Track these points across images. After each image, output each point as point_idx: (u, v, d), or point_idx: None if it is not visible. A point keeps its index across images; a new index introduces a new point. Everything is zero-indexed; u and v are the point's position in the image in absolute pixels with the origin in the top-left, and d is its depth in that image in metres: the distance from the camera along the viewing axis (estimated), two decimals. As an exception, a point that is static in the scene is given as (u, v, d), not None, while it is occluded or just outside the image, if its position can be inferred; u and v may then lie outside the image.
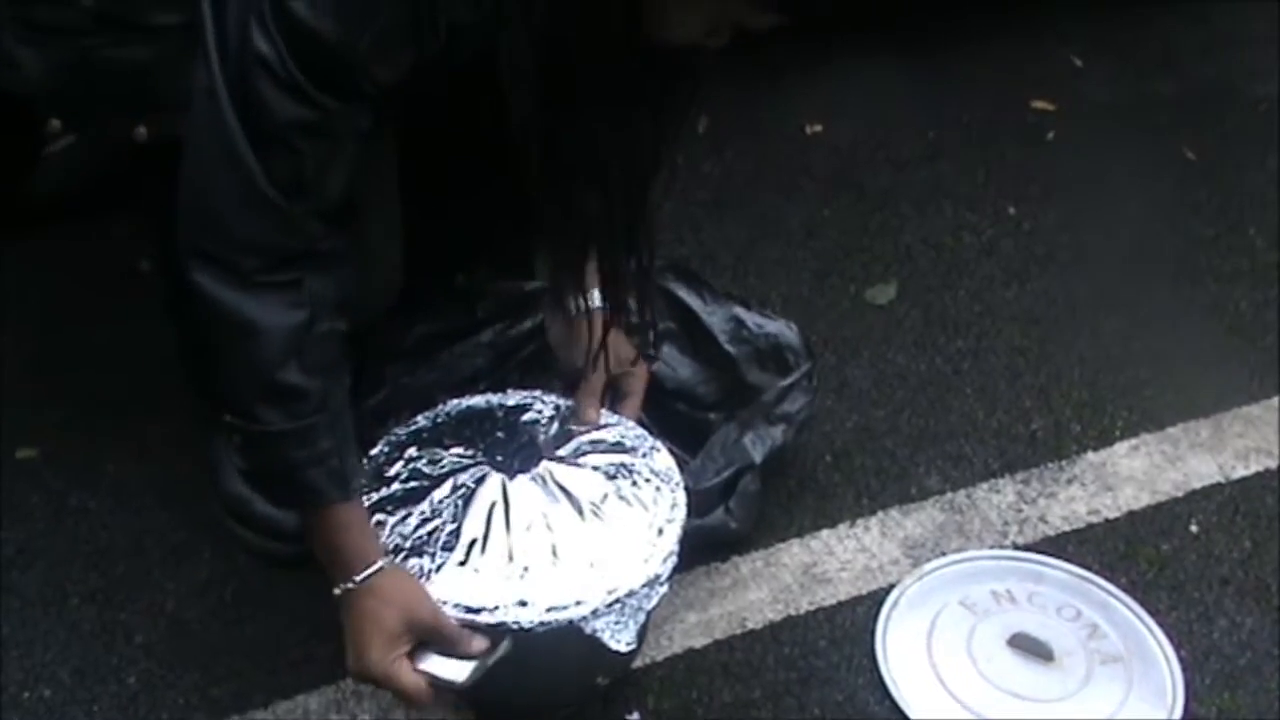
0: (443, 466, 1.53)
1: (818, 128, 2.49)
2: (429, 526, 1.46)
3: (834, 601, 1.75)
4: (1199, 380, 2.06)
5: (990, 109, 2.57)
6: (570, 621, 1.40)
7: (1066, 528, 1.85)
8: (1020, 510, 1.87)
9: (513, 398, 1.65)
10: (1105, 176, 2.43)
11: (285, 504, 1.57)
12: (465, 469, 1.52)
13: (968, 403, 2.02)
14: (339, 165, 1.29)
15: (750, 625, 1.72)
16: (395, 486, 1.51)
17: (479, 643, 1.39)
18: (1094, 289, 2.21)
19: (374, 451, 1.56)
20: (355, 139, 1.29)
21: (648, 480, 1.53)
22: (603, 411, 1.62)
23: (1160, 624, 1.71)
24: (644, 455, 1.57)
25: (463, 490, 1.49)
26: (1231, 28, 2.80)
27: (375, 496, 1.50)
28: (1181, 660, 1.68)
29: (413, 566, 1.42)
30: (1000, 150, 2.48)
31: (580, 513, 1.48)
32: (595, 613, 1.41)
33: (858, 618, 1.73)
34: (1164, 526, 1.85)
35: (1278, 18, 2.83)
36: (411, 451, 1.55)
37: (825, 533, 1.83)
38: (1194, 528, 1.85)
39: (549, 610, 1.39)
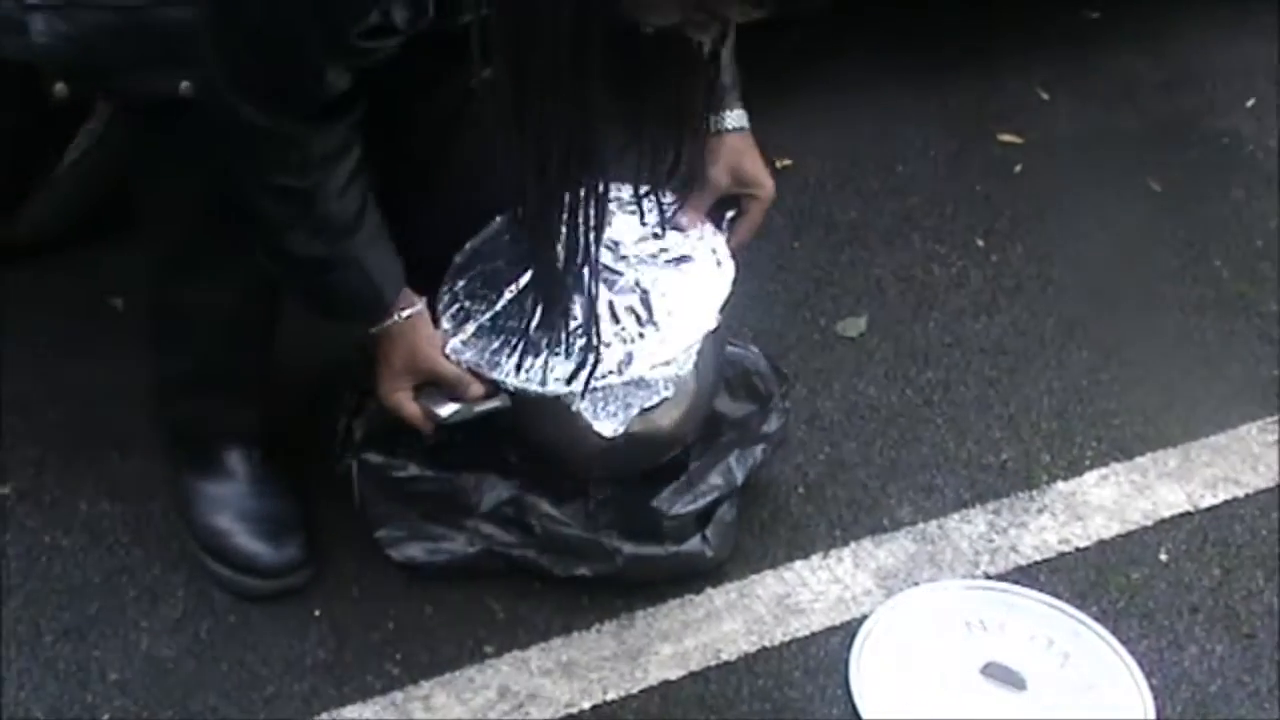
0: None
1: (787, 162, 2.51)
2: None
3: (808, 632, 1.76)
4: (1167, 410, 2.09)
5: (958, 142, 2.60)
6: (557, 396, 1.59)
7: (1037, 557, 1.86)
8: (991, 540, 1.88)
9: None
10: (1072, 208, 2.46)
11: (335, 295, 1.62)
12: None
13: (938, 434, 2.04)
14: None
15: (725, 657, 1.73)
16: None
17: (475, 389, 1.62)
18: (1062, 320, 2.24)
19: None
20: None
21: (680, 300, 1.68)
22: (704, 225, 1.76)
23: (1131, 652, 1.73)
24: (698, 272, 1.72)
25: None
26: (1193, 62, 2.84)
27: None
28: (1153, 688, 1.70)
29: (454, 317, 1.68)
30: (968, 183, 2.51)
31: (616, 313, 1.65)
32: (582, 393, 1.59)
33: (831, 648, 1.74)
34: (1134, 555, 1.87)
35: (1238, 53, 2.88)
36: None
37: (799, 564, 1.84)
38: (1163, 556, 1.87)
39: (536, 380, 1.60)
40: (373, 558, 1.78)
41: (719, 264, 1.74)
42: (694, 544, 1.75)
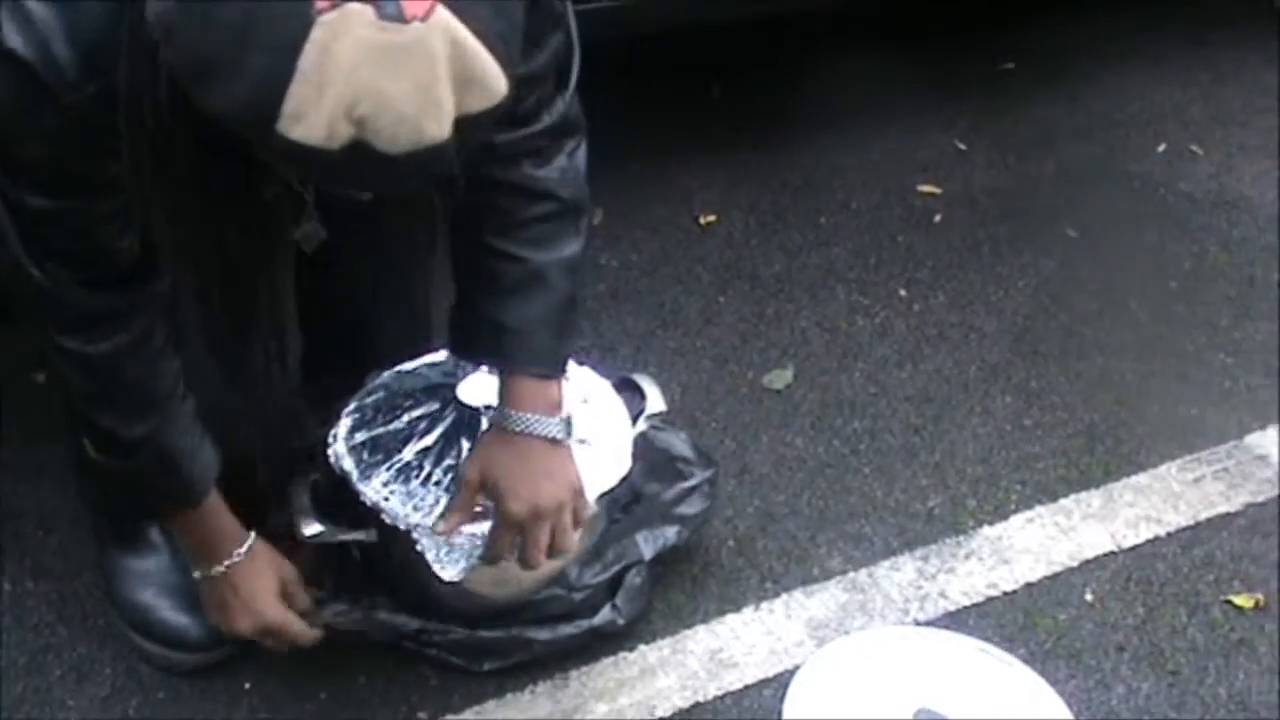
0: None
1: (711, 217, 2.54)
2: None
3: (741, 685, 1.77)
4: (1089, 452, 2.12)
5: (879, 194, 2.64)
6: (408, 528, 1.62)
7: (966, 601, 1.88)
8: (920, 587, 1.90)
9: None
10: (991, 257, 2.50)
11: (157, 509, 1.63)
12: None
13: (866, 483, 2.05)
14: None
15: (659, 713, 1.73)
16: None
17: (302, 637, 1.66)
18: (984, 367, 2.27)
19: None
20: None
21: None
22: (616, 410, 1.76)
23: (1060, 693, 1.74)
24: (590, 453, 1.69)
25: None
26: (1106, 109, 2.91)
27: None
28: (1082, 728, 1.71)
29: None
30: (890, 234, 2.55)
31: None
32: (427, 532, 1.62)
33: (765, 700, 1.75)
34: (1060, 596, 1.89)
35: (1150, 99, 2.94)
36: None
37: (730, 617, 1.85)
38: (1089, 596, 1.90)
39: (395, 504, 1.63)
40: (303, 627, 1.77)
41: (617, 456, 1.73)
42: (605, 615, 1.76)
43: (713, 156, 2.65)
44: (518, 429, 1.56)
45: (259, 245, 1.32)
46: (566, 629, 1.74)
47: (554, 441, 1.57)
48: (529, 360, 1.57)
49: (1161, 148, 2.80)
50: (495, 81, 1.06)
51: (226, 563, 1.59)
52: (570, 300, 1.58)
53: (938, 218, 2.59)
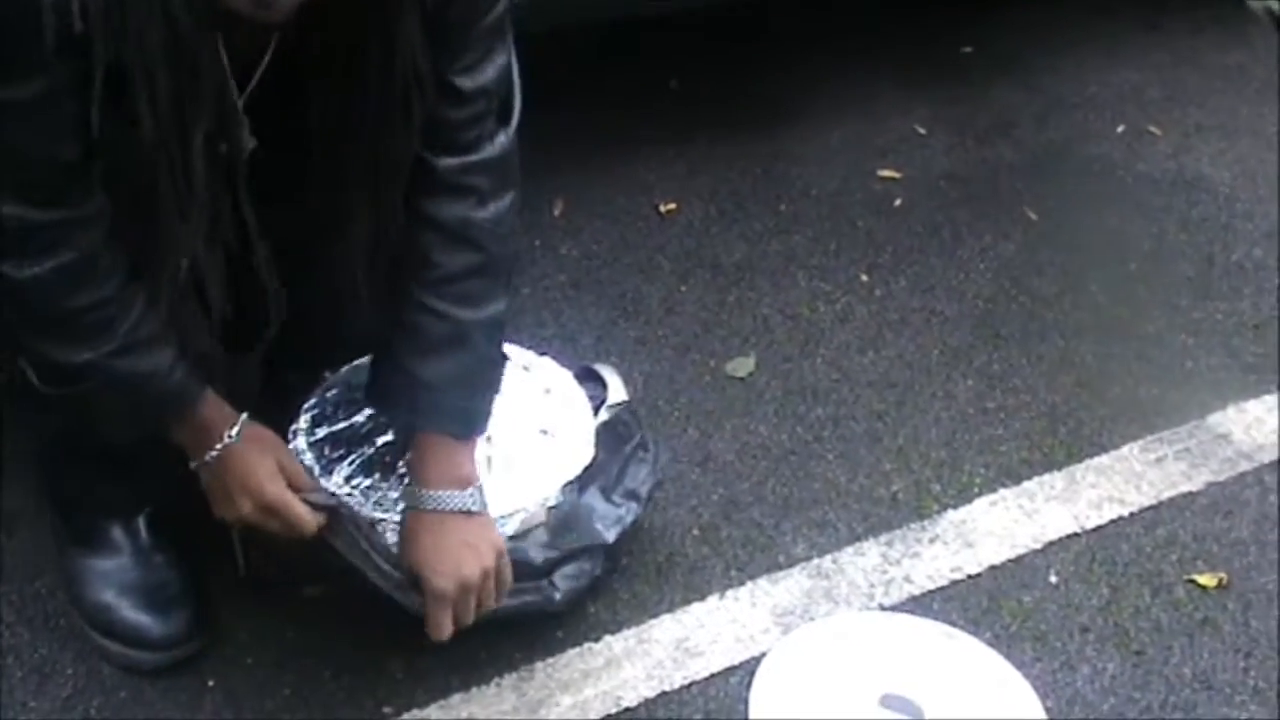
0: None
1: (671, 205, 2.53)
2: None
3: (707, 674, 1.77)
4: (1051, 434, 2.12)
5: (838, 179, 2.64)
6: (371, 521, 1.62)
7: (931, 586, 1.89)
8: (885, 572, 1.90)
9: None
10: (952, 241, 2.51)
11: (151, 421, 1.56)
12: None
13: (830, 469, 2.06)
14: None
15: (625, 703, 1.73)
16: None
17: (307, 524, 1.58)
18: (946, 351, 2.27)
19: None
20: None
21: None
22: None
23: (1026, 675, 1.75)
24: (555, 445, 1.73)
25: None
26: (1064, 93, 2.92)
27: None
28: (1047, 710, 1.72)
29: None
30: (850, 219, 2.55)
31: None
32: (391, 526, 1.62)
33: (731, 688, 1.75)
34: (1024, 579, 1.90)
35: (1108, 81, 2.95)
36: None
37: (696, 606, 1.85)
38: (1053, 578, 1.90)
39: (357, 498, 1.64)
40: (267, 624, 1.76)
41: (579, 446, 1.76)
42: (541, 592, 1.72)
43: (672, 146, 2.65)
44: (429, 508, 1.58)
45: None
46: (510, 602, 1.69)
47: (468, 513, 1.58)
48: (441, 420, 1.59)
49: (1120, 129, 2.81)
50: None
51: (219, 446, 1.54)
52: (490, 361, 1.61)
53: (898, 202, 2.60)
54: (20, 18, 1.20)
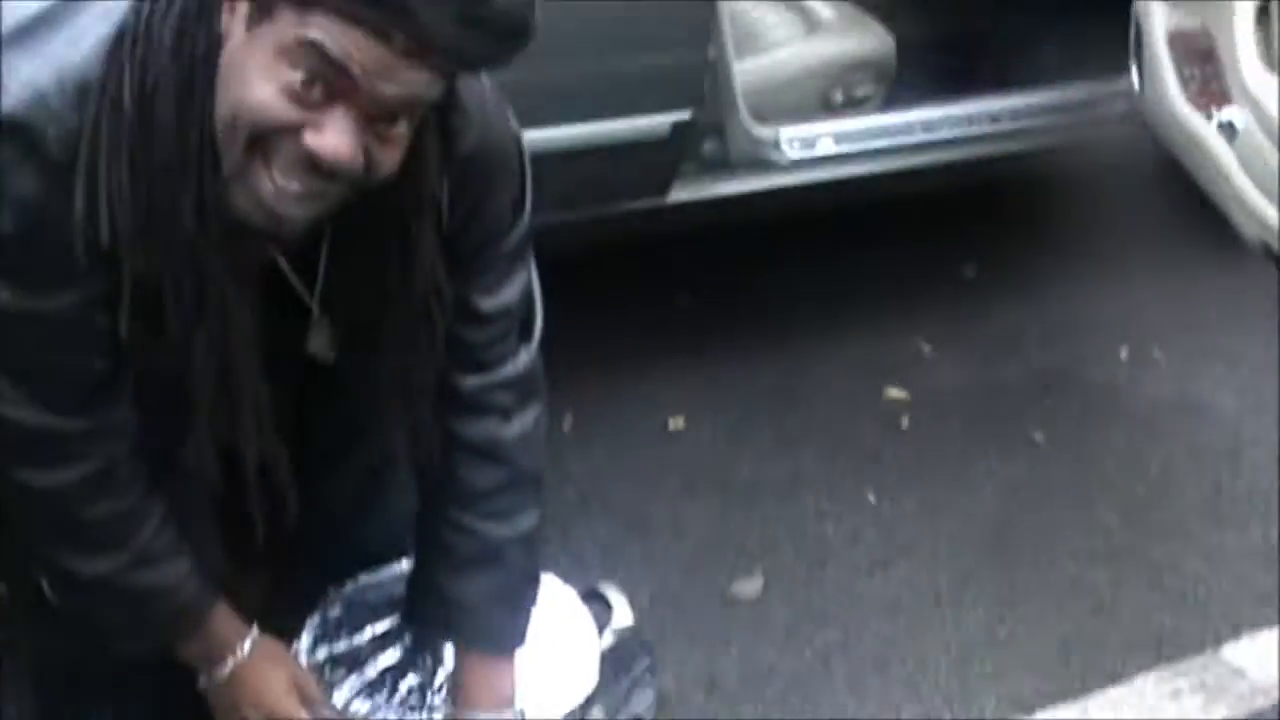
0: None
1: (680, 422, 2.54)
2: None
3: None
4: (1064, 664, 2.09)
5: (846, 398, 2.65)
6: None
7: (944, 822, 1.84)
8: (896, 806, 1.86)
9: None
10: (960, 462, 2.51)
11: (161, 634, 1.53)
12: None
13: (838, 696, 2.02)
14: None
15: None
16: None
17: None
18: (956, 575, 2.25)
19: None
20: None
21: None
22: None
23: None
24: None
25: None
26: (1068, 314, 2.95)
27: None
28: None
29: None
30: (858, 438, 2.55)
31: None
32: None
33: None
34: (1039, 815, 1.85)
35: (1110, 304, 2.99)
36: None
37: (701, 838, 1.80)
38: (1068, 815, 1.86)
39: None
40: None
41: (582, 671, 1.74)
42: None
43: (680, 363, 2.67)
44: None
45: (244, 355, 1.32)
46: None
47: None
48: (480, 639, 1.58)
49: (1124, 353, 2.83)
50: None
51: (231, 661, 1.52)
52: (524, 576, 1.60)
53: (905, 422, 2.60)
54: (52, 232, 1.23)
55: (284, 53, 1.13)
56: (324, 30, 1.11)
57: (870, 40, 2.78)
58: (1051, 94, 2.77)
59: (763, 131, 2.44)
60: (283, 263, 1.38)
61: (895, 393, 2.67)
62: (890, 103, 2.77)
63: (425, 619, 1.63)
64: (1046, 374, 2.77)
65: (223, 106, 1.17)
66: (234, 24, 1.17)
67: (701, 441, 2.51)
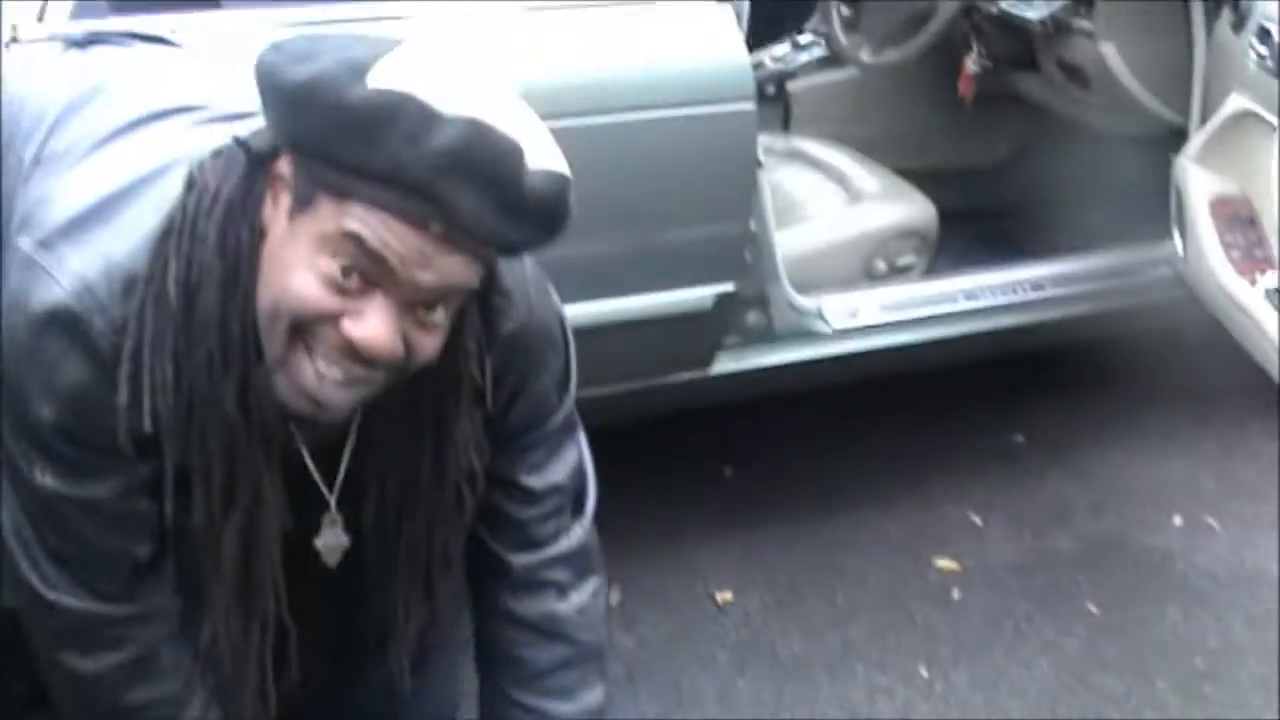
0: None
1: (728, 595, 2.52)
2: None
3: None
4: (1126, 844, 2.03)
5: (896, 569, 2.62)
6: None
7: None
8: None
9: None
10: (1013, 634, 2.46)
11: None
12: None
13: None
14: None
15: None
16: None
17: None
18: (1012, 751, 2.20)
19: None
20: None
21: None
22: None
23: None
24: None
25: None
26: (1117, 483, 2.91)
27: None
28: None
29: None
30: (908, 611, 2.52)
31: None
32: None
33: None
34: None
35: (1162, 472, 2.96)
36: None
37: None
38: None
39: None
40: None
41: None
42: None
43: (728, 535, 2.66)
44: None
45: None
46: None
47: None
48: None
49: (1177, 521, 2.79)
50: None
51: None
52: None
53: (956, 593, 2.57)
54: (97, 421, 1.24)
55: (324, 243, 1.15)
56: (362, 221, 1.13)
57: (912, 209, 2.82)
58: (1094, 260, 2.79)
59: (806, 302, 2.47)
60: (305, 455, 1.37)
61: (945, 564, 2.64)
62: (933, 271, 2.80)
63: None
64: (1099, 543, 2.73)
65: (265, 296, 1.19)
66: (277, 215, 1.19)
67: (750, 614, 2.48)
